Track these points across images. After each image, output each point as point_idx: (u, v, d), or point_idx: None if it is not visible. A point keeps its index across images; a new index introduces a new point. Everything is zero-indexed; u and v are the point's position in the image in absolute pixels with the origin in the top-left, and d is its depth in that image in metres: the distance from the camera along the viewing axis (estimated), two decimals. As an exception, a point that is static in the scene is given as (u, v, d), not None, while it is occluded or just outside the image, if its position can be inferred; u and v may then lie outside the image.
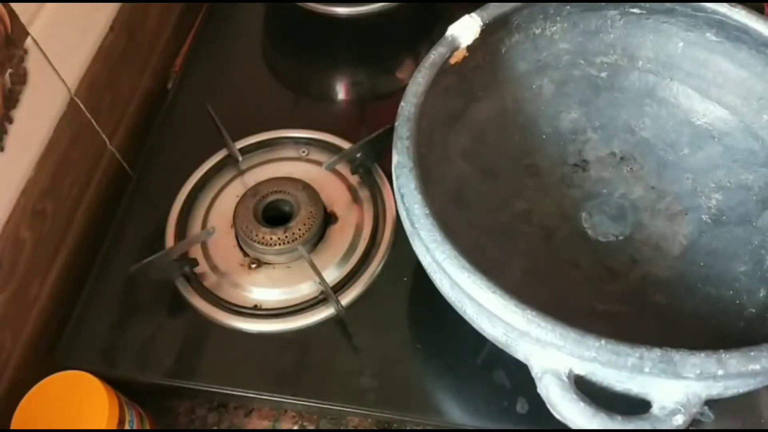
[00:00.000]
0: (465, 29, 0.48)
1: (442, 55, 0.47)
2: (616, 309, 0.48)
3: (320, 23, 0.69)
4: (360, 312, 0.52)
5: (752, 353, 0.34)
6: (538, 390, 0.36)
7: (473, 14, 0.48)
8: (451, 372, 0.50)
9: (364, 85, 0.68)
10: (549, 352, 0.36)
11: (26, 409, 0.44)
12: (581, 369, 0.36)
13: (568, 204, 0.53)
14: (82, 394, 0.44)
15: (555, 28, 0.53)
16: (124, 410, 0.46)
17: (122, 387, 0.48)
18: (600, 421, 0.34)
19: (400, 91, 0.45)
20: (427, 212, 0.40)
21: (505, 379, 0.49)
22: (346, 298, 0.52)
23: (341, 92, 0.69)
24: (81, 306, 0.54)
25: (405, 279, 0.53)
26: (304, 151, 0.61)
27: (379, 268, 0.54)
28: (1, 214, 0.48)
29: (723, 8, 0.48)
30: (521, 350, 0.38)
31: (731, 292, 0.47)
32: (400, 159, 0.42)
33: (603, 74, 0.55)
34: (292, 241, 0.53)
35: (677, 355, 0.34)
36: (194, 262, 0.54)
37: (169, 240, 0.56)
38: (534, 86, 0.55)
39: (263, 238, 0.53)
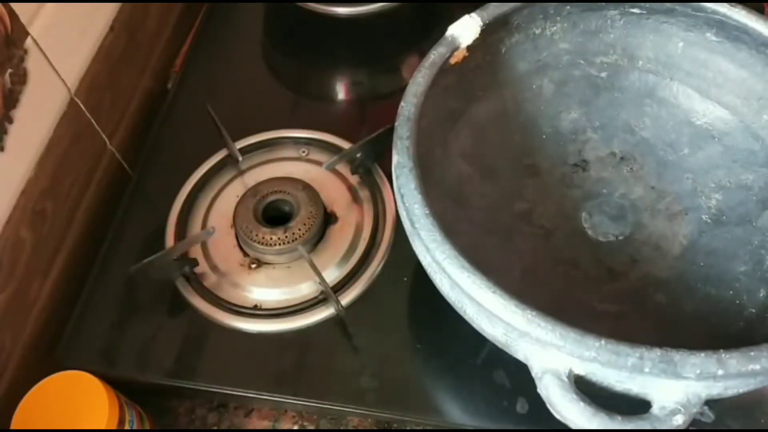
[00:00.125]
0: (465, 29, 0.48)
1: (442, 55, 0.47)
2: (616, 309, 0.48)
3: (320, 23, 0.69)
4: (360, 312, 0.52)
5: (752, 353, 0.34)
6: (538, 390, 0.36)
7: (473, 14, 0.48)
8: (451, 372, 0.50)
9: (364, 85, 0.68)
10: (549, 352, 0.36)
11: (26, 409, 0.44)
12: (581, 369, 0.36)
13: (568, 204, 0.53)
14: (82, 394, 0.44)
15: (555, 28, 0.53)
16: (124, 410, 0.46)
17: (122, 387, 0.48)
18: (600, 421, 0.34)
19: (400, 91, 0.45)
20: (427, 212, 0.40)
21: (505, 379, 0.49)
22: (346, 298, 0.52)
23: (341, 92, 0.69)
24: (81, 306, 0.54)
25: (405, 279, 0.53)
26: (304, 151, 0.61)
27: (379, 268, 0.54)
28: (1, 214, 0.48)
29: (723, 8, 0.48)
30: (521, 350, 0.38)
31: (731, 292, 0.47)
32: (400, 159, 0.42)
33: (603, 74, 0.55)
34: (292, 241, 0.53)
35: (677, 355, 0.34)
36: (194, 262, 0.54)
37: (169, 240, 0.56)
38: (534, 86, 0.55)
39: (263, 238, 0.53)
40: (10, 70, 0.48)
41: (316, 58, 0.70)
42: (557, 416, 0.35)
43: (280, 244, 0.53)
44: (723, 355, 0.34)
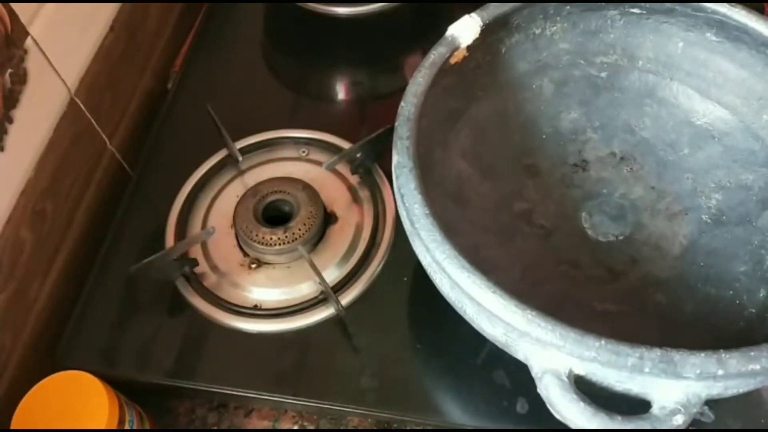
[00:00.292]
0: (465, 29, 0.48)
1: (442, 55, 0.47)
2: (616, 309, 0.48)
3: (320, 23, 0.69)
4: (360, 312, 0.52)
5: (752, 353, 0.34)
6: (538, 390, 0.36)
7: (473, 14, 0.48)
8: (451, 372, 0.50)
9: (364, 85, 0.68)
10: (549, 352, 0.36)
11: (26, 409, 0.44)
12: (581, 369, 0.36)
13: (568, 204, 0.53)
14: (82, 394, 0.44)
15: (555, 28, 0.53)
16: (124, 410, 0.46)
17: (122, 387, 0.48)
18: (600, 421, 0.34)
19: (400, 91, 0.45)
20: (427, 212, 0.40)
21: (505, 379, 0.49)
22: (346, 298, 0.52)
23: (341, 92, 0.69)
24: (81, 306, 0.54)
25: (405, 279, 0.53)
26: (304, 151, 0.61)
27: (379, 268, 0.54)
28: (1, 214, 0.48)
29: (723, 8, 0.48)
30: (521, 350, 0.38)
31: (731, 292, 0.47)
32: (400, 159, 0.42)
33: (603, 74, 0.55)
34: (292, 241, 0.53)
35: (677, 355, 0.34)
36: (194, 262, 0.54)
37: (169, 240, 0.56)
38: (534, 86, 0.55)
39: (263, 238, 0.53)
40: (10, 70, 0.48)
41: (316, 58, 0.70)
42: (557, 416, 0.35)
43: (280, 244, 0.53)
44: (723, 355, 0.34)
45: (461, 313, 0.41)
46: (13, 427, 0.43)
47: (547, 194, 0.53)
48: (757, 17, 0.48)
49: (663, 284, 0.49)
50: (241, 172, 0.60)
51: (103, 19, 0.59)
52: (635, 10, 0.51)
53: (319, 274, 0.51)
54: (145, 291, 0.54)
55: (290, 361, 0.51)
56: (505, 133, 0.54)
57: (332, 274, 0.54)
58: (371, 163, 0.59)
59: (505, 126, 0.54)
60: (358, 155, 0.58)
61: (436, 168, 0.49)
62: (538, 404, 0.36)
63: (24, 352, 0.51)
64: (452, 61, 0.48)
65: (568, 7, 0.52)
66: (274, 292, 0.54)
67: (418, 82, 0.45)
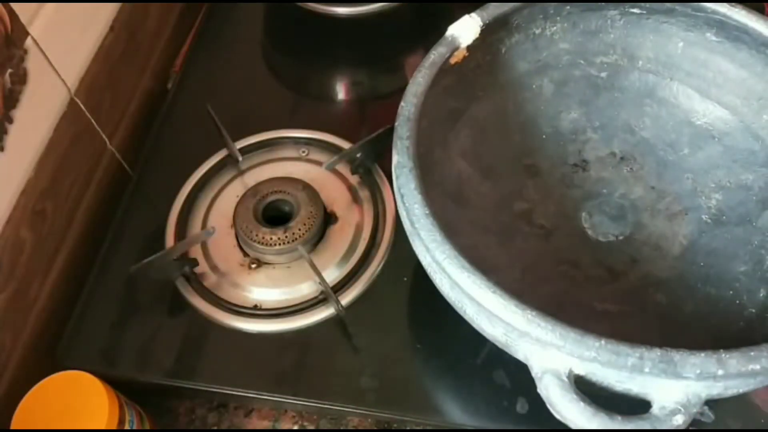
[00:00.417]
0: (465, 29, 0.48)
1: (442, 55, 0.47)
2: (616, 309, 0.48)
3: (320, 23, 0.69)
4: (360, 312, 0.52)
5: (752, 353, 0.34)
6: (538, 390, 0.36)
7: (473, 14, 0.48)
8: (451, 372, 0.50)
9: (364, 85, 0.68)
10: (549, 352, 0.36)
11: (26, 409, 0.44)
12: (581, 369, 0.36)
13: (568, 204, 0.53)
14: (82, 394, 0.44)
15: (555, 28, 0.53)
16: (124, 410, 0.46)
17: (122, 387, 0.48)
18: (600, 421, 0.34)
19: (400, 91, 0.45)
20: (427, 212, 0.40)
21: (505, 379, 0.49)
22: (346, 298, 0.52)
23: (341, 92, 0.69)
24: (81, 306, 0.54)
25: (405, 279, 0.53)
26: (304, 151, 0.61)
27: (379, 268, 0.54)
28: (1, 214, 0.48)
29: (723, 8, 0.48)
30: (521, 350, 0.38)
31: (731, 292, 0.47)
32: (400, 159, 0.42)
33: (603, 74, 0.55)
34: (292, 241, 0.53)
35: (677, 355, 0.34)
36: (194, 262, 0.54)
37: (169, 240, 0.56)
38: (534, 86, 0.55)
39: (263, 238, 0.53)
40: (10, 70, 0.48)
41: (316, 58, 0.70)
42: (557, 416, 0.35)
43: (280, 244, 0.53)
44: (723, 355, 0.34)
45: (461, 313, 0.41)
46: (13, 427, 0.43)
47: (547, 194, 0.53)
48: (757, 17, 0.48)
49: (663, 284, 0.49)
50: (241, 172, 0.60)
51: (103, 19, 0.59)
52: (635, 10, 0.51)
53: (319, 274, 0.51)
54: (145, 291, 0.54)
55: (290, 361, 0.51)
56: (505, 133, 0.54)
57: (332, 274, 0.54)
58: (371, 163, 0.59)
59: (505, 126, 0.54)
60: (358, 155, 0.58)
61: (436, 168, 0.49)
62: (538, 404, 0.36)
63: (24, 352, 0.51)
64: (452, 61, 0.48)
65: (568, 7, 0.52)
66: (274, 292, 0.54)
67: (418, 82, 0.45)
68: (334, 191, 0.58)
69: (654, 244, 0.51)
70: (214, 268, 0.55)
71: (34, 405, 0.44)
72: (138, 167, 0.61)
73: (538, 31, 0.53)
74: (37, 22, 0.50)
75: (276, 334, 0.52)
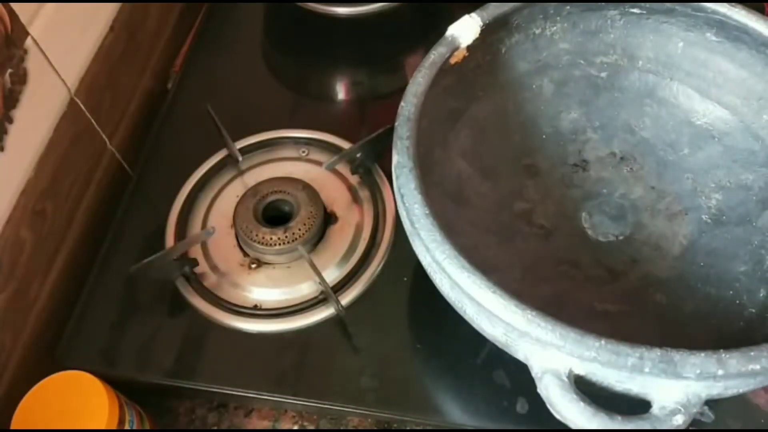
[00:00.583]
0: (465, 29, 0.48)
1: (442, 55, 0.47)
2: (616, 309, 0.48)
3: (320, 23, 0.69)
4: (360, 312, 0.52)
5: (752, 353, 0.34)
6: (538, 390, 0.36)
7: (473, 14, 0.48)
8: (451, 372, 0.50)
9: (364, 85, 0.68)
10: (549, 352, 0.36)
11: (26, 409, 0.44)
12: (581, 369, 0.36)
13: (568, 204, 0.53)
14: (82, 394, 0.44)
15: (555, 28, 0.53)
16: (124, 410, 0.46)
17: (122, 387, 0.48)
18: (600, 421, 0.34)
19: (400, 91, 0.45)
20: (427, 212, 0.40)
21: (505, 379, 0.49)
22: (346, 298, 0.52)
23: (341, 92, 0.69)
24: (81, 306, 0.54)
25: (405, 279, 0.53)
26: (304, 151, 0.61)
27: (379, 268, 0.54)
28: (1, 214, 0.48)
29: (723, 8, 0.48)
30: (521, 350, 0.38)
31: (731, 292, 0.47)
32: (400, 159, 0.42)
33: (603, 74, 0.55)
34: (292, 241, 0.53)
35: (677, 355, 0.34)
36: (194, 262, 0.54)
37: (169, 240, 0.56)
38: (534, 86, 0.55)
39: (263, 238, 0.53)
40: (10, 70, 0.48)
41: (316, 58, 0.70)
42: (557, 416, 0.35)
43: (280, 244, 0.53)
44: (723, 355, 0.34)
45: (461, 313, 0.41)
46: (13, 427, 0.43)
47: (547, 194, 0.53)
48: (757, 17, 0.47)
49: (663, 284, 0.49)
50: (241, 172, 0.60)
51: (103, 19, 0.59)
52: (635, 10, 0.51)
53: (319, 274, 0.51)
54: (145, 291, 0.54)
55: (290, 361, 0.51)
56: (505, 133, 0.54)
57: (332, 274, 0.54)
58: (371, 163, 0.59)
59: (505, 126, 0.54)
60: (358, 155, 0.58)
61: (436, 168, 0.49)
62: (538, 404, 0.36)
63: (24, 352, 0.51)
64: (452, 61, 0.48)
65: (568, 7, 0.52)
66: (274, 292, 0.54)
67: (418, 82, 0.45)
68: (334, 191, 0.58)
69: (654, 244, 0.51)
70: (214, 268, 0.55)
71: (34, 405, 0.44)
72: (138, 167, 0.61)
73: (538, 31, 0.53)
74: (37, 22, 0.50)
75: (276, 334, 0.52)
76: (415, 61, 0.48)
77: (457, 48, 0.48)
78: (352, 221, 0.56)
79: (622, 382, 0.36)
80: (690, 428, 0.35)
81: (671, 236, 0.51)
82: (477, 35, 0.48)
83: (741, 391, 0.36)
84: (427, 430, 0.50)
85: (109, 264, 0.56)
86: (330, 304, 0.52)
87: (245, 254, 0.55)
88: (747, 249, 0.48)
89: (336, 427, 0.51)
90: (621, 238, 0.51)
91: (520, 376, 0.39)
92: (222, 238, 0.56)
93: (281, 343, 0.51)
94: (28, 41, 0.49)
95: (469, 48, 0.48)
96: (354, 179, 0.59)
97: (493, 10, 0.49)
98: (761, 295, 0.46)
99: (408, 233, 0.43)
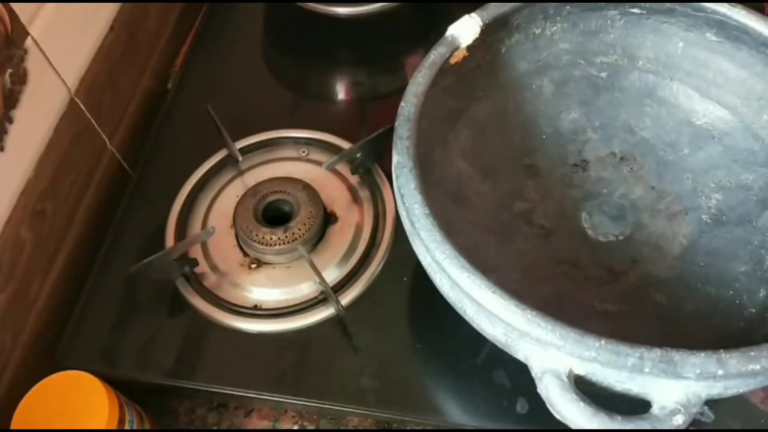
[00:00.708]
0: (465, 29, 0.48)
1: (442, 55, 0.47)
2: (616, 309, 0.48)
3: (320, 23, 0.69)
4: (360, 312, 0.52)
5: (752, 353, 0.34)
6: (538, 390, 0.36)
7: (473, 14, 0.48)
8: (451, 372, 0.50)
9: (364, 85, 0.68)
10: (549, 352, 0.36)
11: (26, 409, 0.44)
12: (581, 369, 0.36)
13: (568, 204, 0.53)
14: (82, 394, 0.44)
15: (555, 28, 0.53)
16: (124, 410, 0.46)
17: (122, 387, 0.48)
18: (600, 421, 0.34)
19: (400, 91, 0.45)
20: (427, 212, 0.40)
21: (505, 379, 0.49)
22: (346, 298, 0.52)
23: (341, 92, 0.69)
24: (81, 306, 0.54)
25: (405, 279, 0.53)
26: (304, 151, 0.61)
27: (379, 268, 0.54)
28: (1, 214, 0.48)
29: (723, 8, 0.48)
30: (521, 350, 0.38)
31: (731, 292, 0.47)
32: (400, 159, 0.42)
33: (603, 74, 0.55)
34: (292, 241, 0.53)
35: (677, 355, 0.34)
36: (194, 262, 0.54)
37: (169, 240, 0.56)
38: (534, 86, 0.55)
39: (263, 238, 0.53)
40: (10, 70, 0.48)
41: (316, 58, 0.70)
42: (557, 416, 0.35)
43: (280, 244, 0.53)
44: (723, 355, 0.34)
45: (461, 313, 0.41)
46: (13, 427, 0.43)
47: (547, 194, 0.53)
48: (757, 17, 0.47)
49: (663, 284, 0.49)
50: (241, 172, 0.60)
51: (103, 19, 0.59)
52: (635, 10, 0.51)
53: (319, 274, 0.51)
54: (145, 291, 0.54)
55: (290, 361, 0.51)
56: (505, 133, 0.54)
57: (332, 274, 0.54)
58: (371, 163, 0.59)
59: (505, 126, 0.54)
60: (358, 155, 0.58)
61: (436, 168, 0.49)
62: (538, 404, 0.36)
63: (24, 352, 0.51)
64: (452, 61, 0.48)
65: (568, 7, 0.52)
66: (274, 292, 0.54)
67: (418, 82, 0.45)
68: (334, 191, 0.58)
69: (654, 244, 0.51)
70: (214, 268, 0.55)
71: (34, 405, 0.44)
72: (138, 167, 0.61)
73: (538, 31, 0.53)
74: (37, 22, 0.50)
75: (276, 334, 0.52)
76: (415, 61, 0.48)
77: (457, 48, 0.48)
78: (352, 221, 0.56)
79: (622, 382, 0.36)
80: (690, 428, 0.35)
81: (671, 236, 0.51)
82: (477, 35, 0.48)
83: (741, 391, 0.36)
84: (427, 430, 0.50)
85: (109, 264, 0.56)
86: (330, 304, 0.52)
87: (245, 254, 0.55)
88: (747, 249, 0.48)
89: (336, 427, 0.51)
90: (621, 238, 0.51)
91: (520, 376, 0.39)
92: (222, 238, 0.56)
93: (281, 343, 0.51)
94: (28, 41, 0.49)
95: (469, 48, 0.48)
96: (354, 179, 0.59)
97: (493, 10, 0.49)
98: (761, 295, 0.46)
99: (408, 233, 0.43)
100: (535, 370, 0.37)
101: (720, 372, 0.34)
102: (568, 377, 0.36)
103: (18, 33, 0.48)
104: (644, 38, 0.53)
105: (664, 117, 0.54)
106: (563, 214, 0.52)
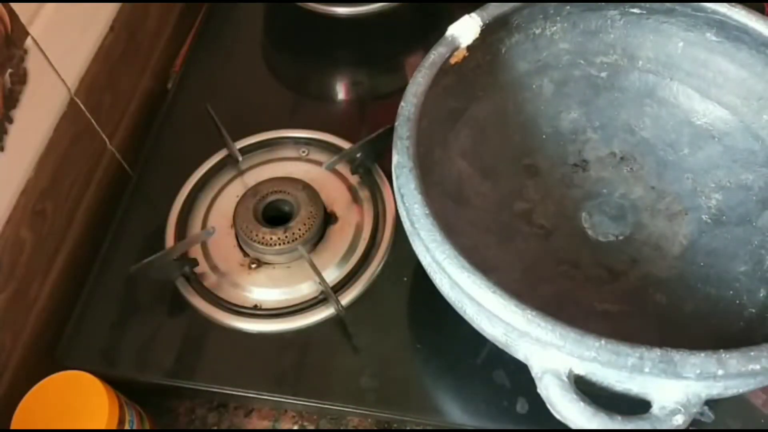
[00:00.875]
0: (465, 29, 0.48)
1: (442, 55, 0.47)
2: (616, 309, 0.48)
3: (320, 23, 0.69)
4: (360, 312, 0.52)
5: (752, 353, 0.34)
6: (538, 390, 0.36)
7: (473, 14, 0.48)
8: (451, 372, 0.50)
9: (364, 85, 0.68)
10: (549, 352, 0.36)
11: (26, 409, 0.44)
12: (581, 369, 0.36)
13: (568, 204, 0.53)
14: (82, 394, 0.44)
15: (555, 28, 0.53)
16: (124, 410, 0.46)
17: (122, 387, 0.48)
18: (600, 421, 0.34)
19: (400, 91, 0.45)
20: (427, 212, 0.40)
21: (505, 379, 0.49)
22: (346, 298, 0.52)
23: (341, 92, 0.69)
24: (81, 306, 0.54)
25: (405, 279, 0.53)
26: (304, 151, 0.61)
27: (379, 268, 0.54)
28: (1, 214, 0.48)
29: (723, 8, 0.48)
30: (521, 350, 0.38)
31: (731, 292, 0.47)
32: (400, 159, 0.42)
33: (603, 74, 0.55)
34: (292, 241, 0.53)
35: (677, 355, 0.34)
36: (194, 262, 0.54)
37: (169, 240, 0.56)
38: (534, 86, 0.55)
39: (263, 238, 0.53)
40: (10, 70, 0.48)
41: (316, 58, 0.70)
42: (557, 416, 0.35)
43: (280, 244, 0.53)
44: (723, 355, 0.34)
45: (461, 313, 0.41)
46: (13, 427, 0.43)
47: (547, 194, 0.53)
48: (757, 17, 0.47)
49: (663, 284, 0.49)
50: (241, 172, 0.60)
51: (103, 19, 0.59)
52: (635, 10, 0.52)
53: (319, 274, 0.51)
54: (145, 291, 0.54)
55: (290, 361, 0.51)
56: (505, 133, 0.54)
57: (332, 274, 0.54)
58: (371, 163, 0.59)
59: (505, 126, 0.54)
60: (358, 155, 0.58)
61: (436, 168, 0.49)
62: (538, 404, 0.36)
63: (24, 352, 0.51)
64: (452, 61, 0.48)
65: (568, 7, 0.52)
66: (274, 292, 0.54)
67: (418, 82, 0.45)
68: (334, 191, 0.58)
69: (654, 244, 0.51)
70: (214, 268, 0.55)
71: (34, 405, 0.44)
72: (138, 167, 0.61)
73: (538, 31, 0.53)
74: (37, 22, 0.50)
75: (276, 334, 0.52)
76: (415, 61, 0.48)
77: (457, 48, 0.48)
78: (352, 221, 0.56)
79: (622, 382, 0.36)
80: (690, 428, 0.35)
81: (671, 236, 0.51)
82: (477, 35, 0.48)
83: (741, 391, 0.36)
84: (427, 430, 0.50)
85: (109, 264, 0.56)
86: (330, 304, 0.52)
87: (245, 254, 0.55)
88: (747, 249, 0.48)
89: (336, 427, 0.51)
90: (621, 238, 0.51)
91: (520, 376, 0.39)
92: (222, 238, 0.56)
93: (281, 343, 0.51)
94: (28, 41, 0.49)
95: (469, 48, 0.48)
96: (354, 179, 0.59)
97: (493, 10, 0.49)
98: (761, 295, 0.46)
99: (408, 233, 0.43)
100: (535, 370, 0.37)
101: (720, 372, 0.34)
102: (568, 377, 0.36)
103: (18, 33, 0.48)
104: (644, 38, 0.53)
105: (664, 117, 0.54)
106: (563, 214, 0.52)
